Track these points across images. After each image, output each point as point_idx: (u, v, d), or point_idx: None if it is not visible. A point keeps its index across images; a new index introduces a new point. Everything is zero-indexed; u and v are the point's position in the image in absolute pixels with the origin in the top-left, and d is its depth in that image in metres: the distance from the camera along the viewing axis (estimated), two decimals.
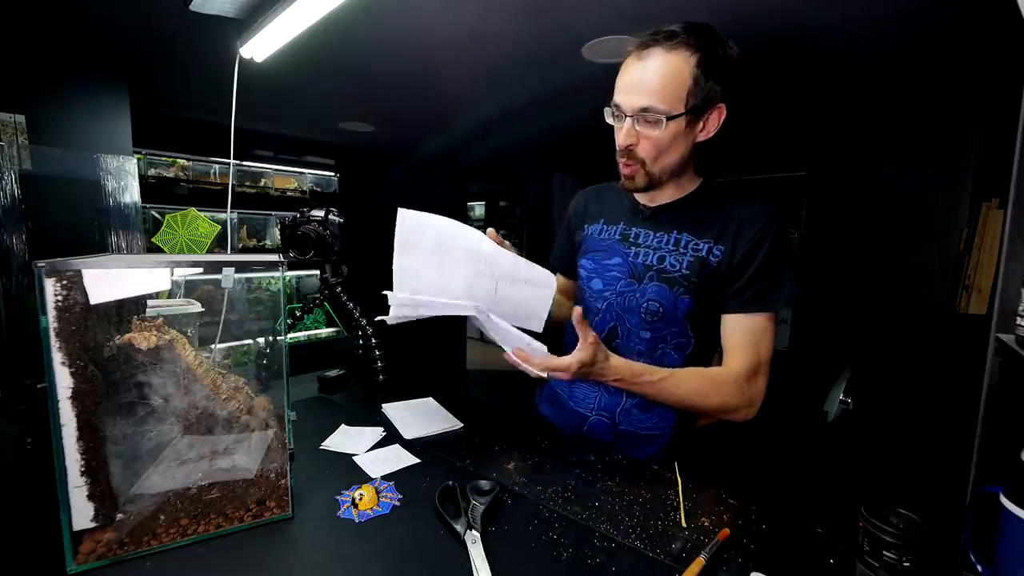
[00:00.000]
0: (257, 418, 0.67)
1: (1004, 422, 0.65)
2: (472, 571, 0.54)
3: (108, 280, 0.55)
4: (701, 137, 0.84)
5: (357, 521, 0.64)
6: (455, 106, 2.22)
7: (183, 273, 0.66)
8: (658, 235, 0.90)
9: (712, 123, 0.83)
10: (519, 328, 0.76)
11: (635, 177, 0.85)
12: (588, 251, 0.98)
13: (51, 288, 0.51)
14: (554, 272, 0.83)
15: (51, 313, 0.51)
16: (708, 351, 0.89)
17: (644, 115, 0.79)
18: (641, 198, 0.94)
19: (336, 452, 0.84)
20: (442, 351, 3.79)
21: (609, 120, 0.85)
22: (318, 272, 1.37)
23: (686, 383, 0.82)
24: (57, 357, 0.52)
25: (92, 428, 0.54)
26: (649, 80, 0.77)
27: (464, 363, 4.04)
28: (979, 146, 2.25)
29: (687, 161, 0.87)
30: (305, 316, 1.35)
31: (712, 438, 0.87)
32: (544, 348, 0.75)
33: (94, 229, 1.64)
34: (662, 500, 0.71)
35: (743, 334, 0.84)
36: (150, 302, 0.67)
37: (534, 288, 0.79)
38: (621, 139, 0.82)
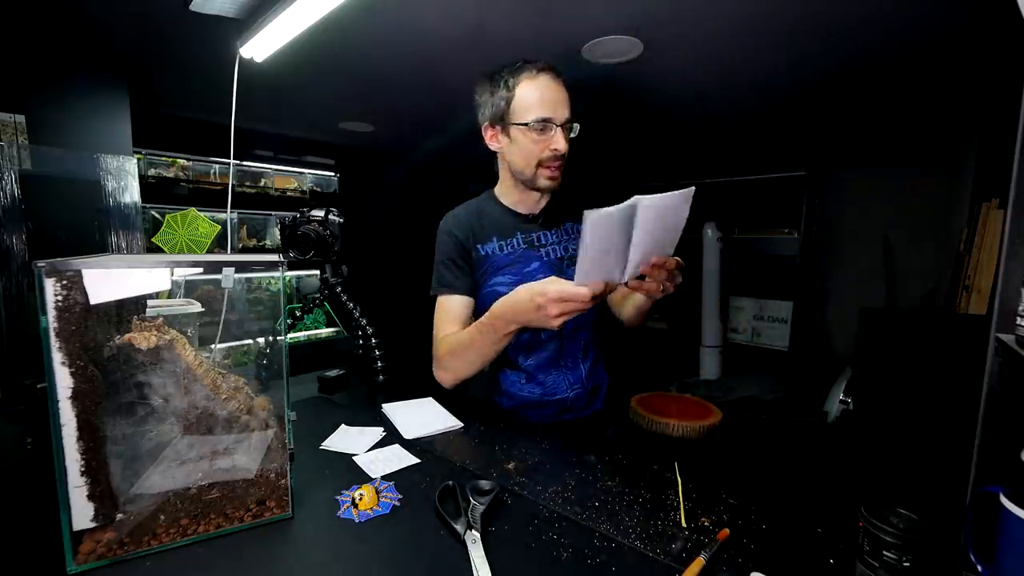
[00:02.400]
0: (257, 418, 0.67)
1: (1004, 422, 0.65)
2: (472, 571, 0.54)
3: (108, 280, 0.55)
4: None
5: (357, 521, 0.64)
6: (455, 106, 2.22)
7: (183, 273, 0.66)
8: (554, 232, 1.07)
9: None
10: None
11: (559, 179, 1.00)
12: (499, 268, 1.05)
13: (51, 288, 0.51)
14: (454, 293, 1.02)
15: (51, 313, 0.51)
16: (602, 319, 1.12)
17: (569, 124, 0.97)
18: (519, 207, 1.08)
19: (336, 452, 0.84)
20: None
21: (531, 134, 0.96)
22: (318, 272, 1.37)
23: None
24: (57, 357, 0.52)
25: (92, 428, 0.54)
26: (565, 98, 0.97)
27: None
28: (979, 146, 2.25)
29: None
30: (305, 316, 1.35)
31: (713, 438, 0.87)
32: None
33: (94, 229, 1.64)
34: (662, 500, 0.71)
35: None
36: (150, 302, 0.67)
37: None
38: (563, 145, 0.96)
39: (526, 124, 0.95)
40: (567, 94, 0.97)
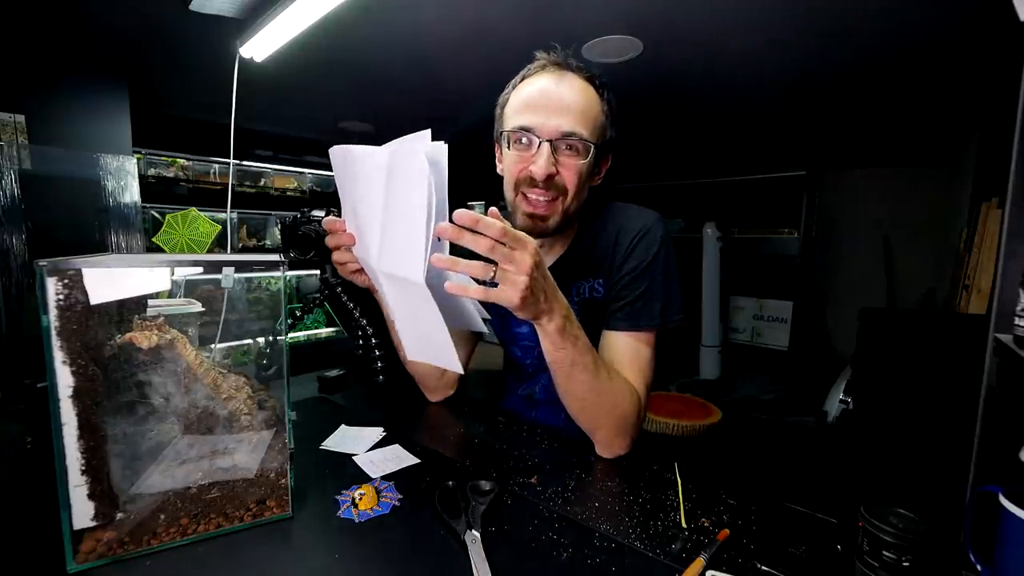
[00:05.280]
0: (257, 418, 0.67)
1: (1003, 422, 0.65)
2: (472, 571, 0.54)
3: (109, 280, 0.55)
4: (594, 183, 0.78)
5: (357, 521, 0.64)
6: (455, 105, 2.22)
7: (183, 273, 0.66)
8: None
9: (603, 171, 0.80)
10: None
11: (551, 216, 0.73)
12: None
13: (52, 287, 0.51)
14: None
15: (52, 312, 0.51)
16: None
17: (566, 140, 0.69)
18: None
19: (336, 452, 0.84)
20: None
21: (506, 146, 0.74)
22: (318, 272, 1.36)
23: (609, 371, 0.73)
24: (58, 356, 0.52)
25: (93, 427, 0.54)
26: (572, 103, 0.69)
27: None
28: (979, 146, 2.25)
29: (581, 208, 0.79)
30: (305, 316, 1.35)
31: (712, 438, 0.87)
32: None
33: (94, 229, 1.64)
34: (662, 500, 0.71)
35: (624, 352, 0.79)
36: (151, 301, 0.67)
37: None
38: (542, 166, 0.68)
39: (508, 131, 0.73)
40: (581, 101, 0.70)
